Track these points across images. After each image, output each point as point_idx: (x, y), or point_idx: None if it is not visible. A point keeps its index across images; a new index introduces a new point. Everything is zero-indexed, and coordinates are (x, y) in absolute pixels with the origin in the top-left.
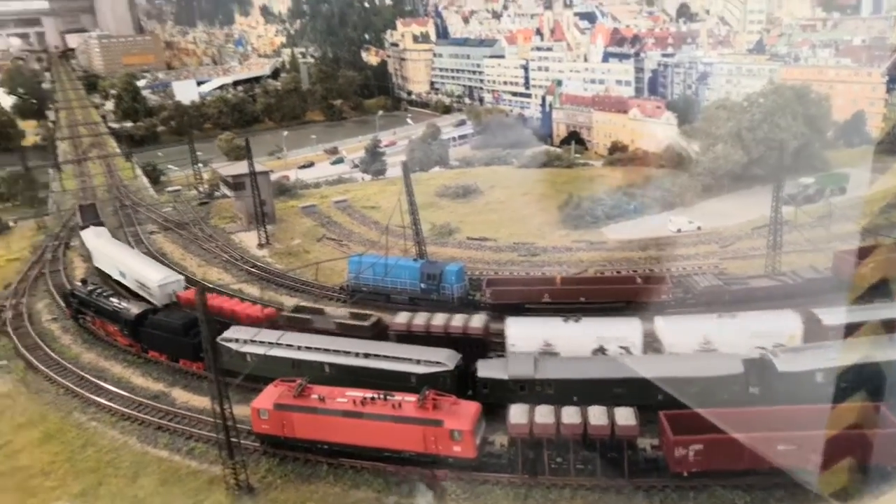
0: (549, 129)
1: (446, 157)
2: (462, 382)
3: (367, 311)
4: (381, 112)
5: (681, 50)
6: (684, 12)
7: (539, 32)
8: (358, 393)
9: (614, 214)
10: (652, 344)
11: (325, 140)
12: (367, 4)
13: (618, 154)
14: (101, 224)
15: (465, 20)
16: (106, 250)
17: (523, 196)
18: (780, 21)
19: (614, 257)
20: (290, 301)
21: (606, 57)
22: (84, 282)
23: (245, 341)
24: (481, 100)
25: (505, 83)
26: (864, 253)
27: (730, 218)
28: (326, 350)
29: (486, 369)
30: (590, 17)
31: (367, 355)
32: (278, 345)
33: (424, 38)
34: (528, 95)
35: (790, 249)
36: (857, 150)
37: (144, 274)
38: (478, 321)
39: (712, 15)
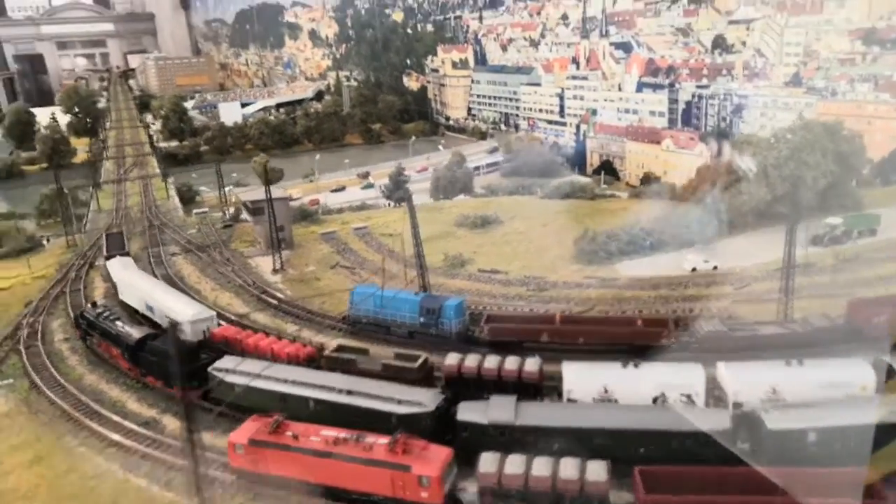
0: (583, 157)
1: (471, 185)
2: (444, 424)
3: (415, 352)
4: (413, 138)
5: (716, 81)
6: (720, 44)
7: (575, 61)
8: (332, 432)
9: (629, 250)
10: (713, 392)
11: (361, 163)
12: (409, 31)
13: (641, 187)
14: (126, 254)
15: (504, 48)
16: (132, 283)
17: (542, 227)
18: (818, 54)
19: (623, 296)
20: (291, 329)
21: (641, 87)
22: (94, 304)
23: (234, 372)
24: (517, 127)
25: (540, 111)
26: (882, 303)
27: (750, 257)
28: (312, 385)
29: (467, 412)
30: (625, 47)
31: (350, 392)
32: (266, 377)
33: (463, 64)
34: (564, 124)
35: (809, 294)
36: (894, 188)
37: (175, 309)
38: (532, 364)
39: (748, 47)
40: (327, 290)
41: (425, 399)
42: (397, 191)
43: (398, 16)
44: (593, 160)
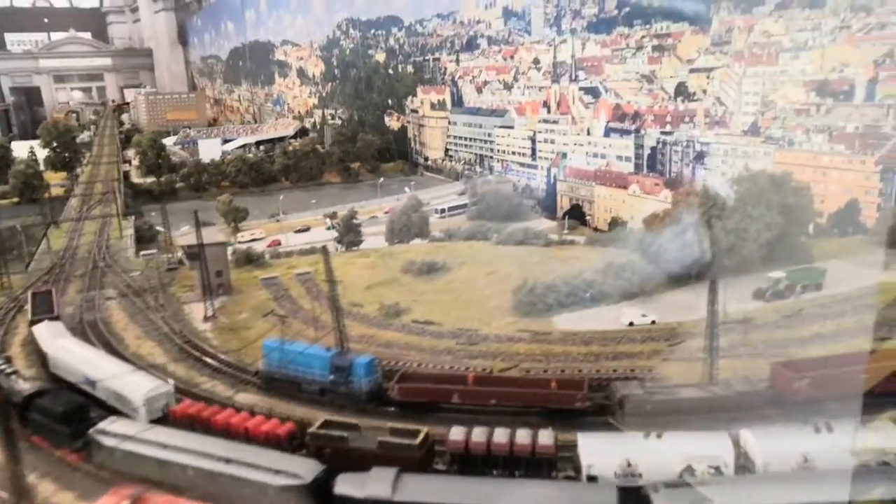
0: (554, 200)
1: (426, 230)
2: (323, 497)
3: (414, 427)
4: (381, 179)
5: (679, 128)
6: (682, 91)
7: (546, 105)
8: None
9: (568, 302)
10: (741, 462)
11: (338, 202)
12: (391, 71)
13: (605, 233)
14: (56, 318)
15: (479, 90)
16: (66, 353)
17: (488, 276)
18: (775, 104)
19: (552, 351)
20: (204, 383)
21: (608, 132)
22: None
23: (115, 435)
24: (491, 168)
25: (513, 153)
26: (803, 367)
27: (691, 311)
28: (191, 451)
29: (344, 485)
30: (594, 92)
31: (228, 461)
32: (144, 441)
33: (441, 105)
34: (535, 166)
35: (741, 353)
36: (850, 240)
37: (124, 384)
38: (547, 438)
39: (709, 95)
40: (255, 340)
41: (302, 470)
42: (348, 234)
43: (380, 56)
44: (563, 203)
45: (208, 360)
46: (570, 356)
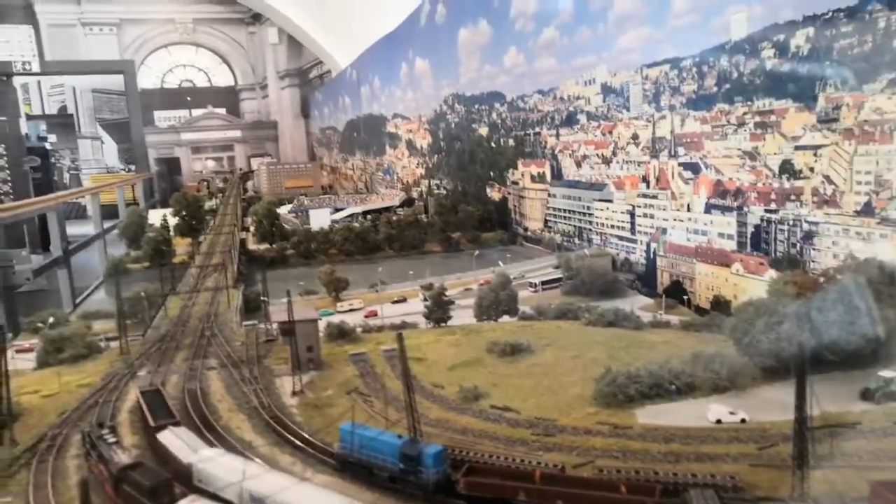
0: (653, 276)
1: (515, 307)
2: None
3: None
4: (477, 252)
5: (784, 207)
6: (787, 168)
7: (645, 180)
8: None
9: (652, 394)
10: None
11: (440, 271)
12: (493, 144)
13: (694, 317)
14: (177, 423)
15: (578, 164)
16: (215, 466)
17: (573, 360)
18: (890, 184)
19: (630, 448)
20: (284, 460)
21: (709, 208)
22: (101, 424)
23: None
24: (590, 241)
25: (612, 226)
26: None
27: (787, 410)
28: None
29: None
30: (694, 168)
31: None
32: None
33: (541, 178)
34: (634, 241)
35: (843, 463)
36: None
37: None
38: None
39: (816, 173)
40: (336, 418)
41: None
42: (437, 310)
43: (483, 130)
44: (664, 279)
45: (290, 437)
46: (649, 454)
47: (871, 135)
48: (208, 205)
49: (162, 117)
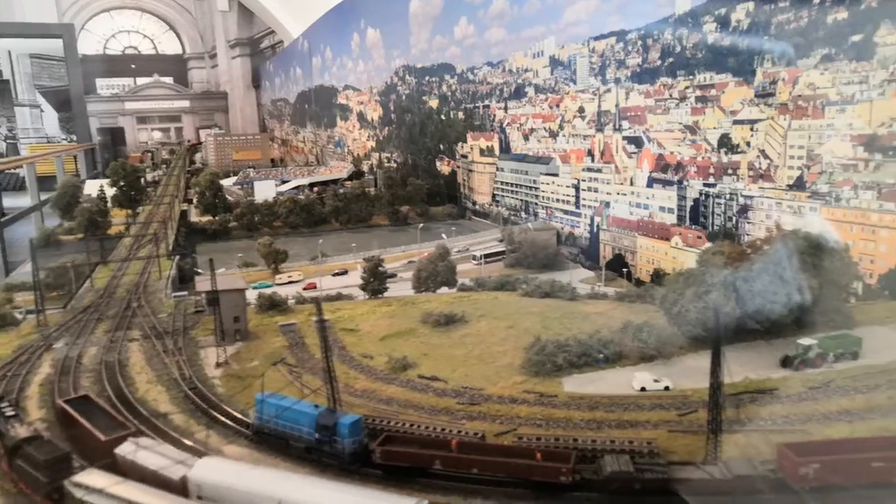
0: (597, 250)
1: (453, 279)
2: None
3: None
4: (421, 224)
5: (722, 181)
6: (725, 143)
7: (590, 153)
8: None
9: (580, 363)
10: None
11: (386, 244)
12: (443, 117)
13: (630, 289)
14: (134, 433)
15: (526, 137)
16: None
17: (506, 330)
18: (821, 158)
19: (554, 416)
20: (200, 432)
21: (651, 182)
22: (1, 397)
23: (96, 491)
24: (536, 215)
25: (558, 200)
26: (814, 450)
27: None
28: None
29: None
30: (637, 142)
31: None
32: (112, 497)
33: (490, 151)
34: (579, 215)
35: (758, 427)
36: None
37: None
38: None
39: (753, 147)
40: (260, 389)
41: None
42: (373, 281)
43: (433, 103)
44: (606, 253)
45: (208, 408)
46: (572, 422)
47: (804, 109)
48: (151, 176)
49: (105, 85)
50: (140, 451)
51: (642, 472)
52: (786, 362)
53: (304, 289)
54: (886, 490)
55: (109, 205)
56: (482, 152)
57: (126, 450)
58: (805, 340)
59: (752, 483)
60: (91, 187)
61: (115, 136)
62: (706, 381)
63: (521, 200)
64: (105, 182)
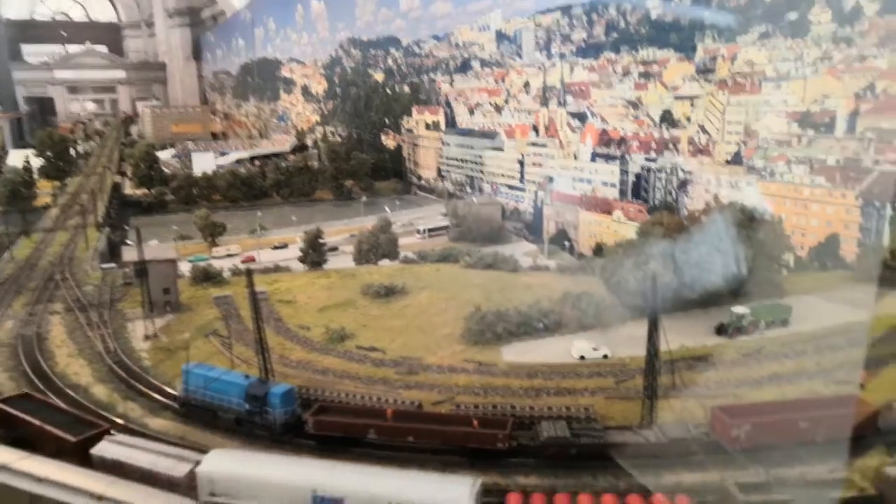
0: (540, 224)
1: (395, 251)
2: None
3: None
4: (364, 197)
5: (663, 155)
6: (667, 118)
7: (535, 128)
8: None
9: (519, 332)
10: None
11: (328, 218)
12: (389, 91)
13: (571, 261)
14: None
15: (471, 112)
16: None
17: (447, 301)
18: (757, 134)
19: (492, 384)
20: (124, 406)
21: (594, 157)
22: None
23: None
24: (481, 189)
25: (503, 175)
26: (744, 412)
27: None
28: (67, 486)
29: None
30: (581, 117)
31: (101, 498)
32: (17, 473)
33: (435, 126)
34: (523, 189)
35: (691, 393)
36: (826, 275)
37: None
38: None
39: (693, 122)
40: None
41: None
42: (312, 253)
43: (379, 76)
44: (549, 227)
45: (132, 381)
46: (511, 390)
47: (742, 86)
48: (82, 147)
49: (32, 52)
50: (123, 448)
51: (578, 437)
52: (720, 330)
53: (243, 262)
54: (812, 448)
55: (36, 176)
56: (428, 127)
57: (107, 450)
58: (739, 309)
59: (687, 445)
60: (16, 157)
61: (44, 107)
62: (644, 350)
63: (467, 175)
64: (31, 152)
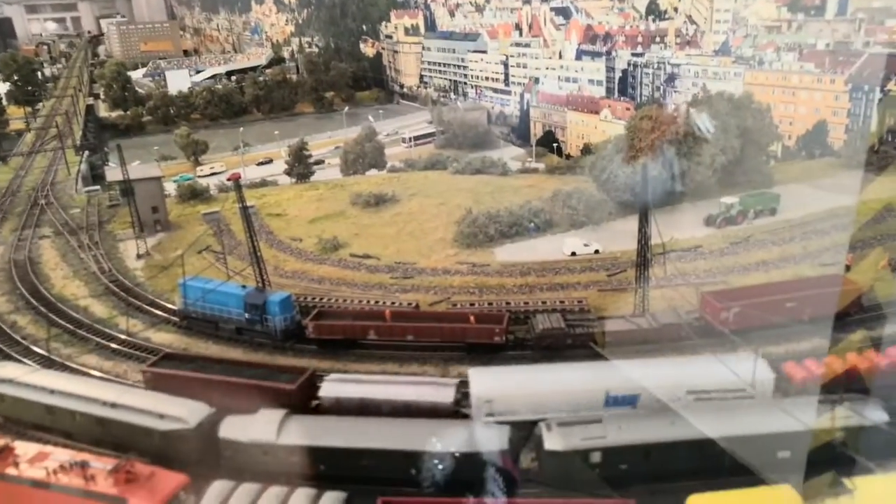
0: (527, 127)
1: (382, 160)
2: (211, 441)
3: None
4: (347, 108)
5: (650, 49)
6: (653, 10)
7: (518, 28)
8: (65, 457)
9: (511, 233)
10: None
11: (312, 131)
12: None
13: (560, 162)
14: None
15: (451, 13)
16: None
17: (438, 206)
18: (746, 21)
19: (487, 284)
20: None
21: (580, 55)
22: None
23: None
24: (465, 94)
25: (487, 78)
26: (732, 296)
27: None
28: (77, 396)
29: (230, 429)
30: (564, 13)
31: (114, 405)
32: (30, 386)
33: (415, 30)
34: (508, 92)
35: (682, 282)
36: (814, 163)
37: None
38: None
39: (680, 13)
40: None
41: (185, 413)
42: (298, 166)
43: None
44: (536, 130)
45: (131, 298)
46: (505, 288)
47: None
48: (49, 70)
49: None
50: (354, 386)
51: (573, 327)
52: (709, 221)
53: (228, 179)
54: (798, 327)
55: (4, 102)
56: (407, 31)
57: (339, 390)
58: (727, 199)
59: (678, 330)
60: None
61: (3, 29)
62: (634, 244)
63: (450, 80)
64: None
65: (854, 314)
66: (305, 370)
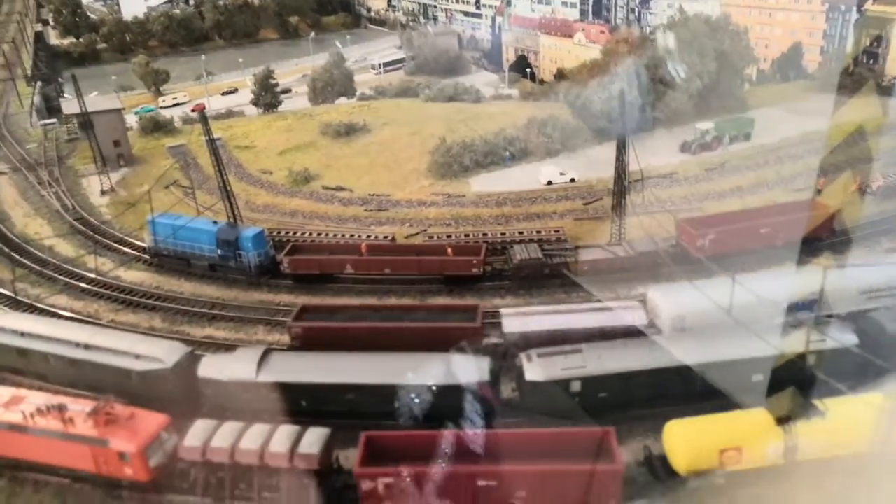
0: (499, 52)
1: (351, 88)
2: (190, 381)
3: None
4: (312, 34)
5: None
6: None
7: None
8: (42, 400)
9: (487, 163)
10: None
11: (276, 59)
12: None
13: (535, 87)
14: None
15: None
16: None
17: (411, 136)
18: None
19: (462, 215)
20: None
21: None
22: None
23: None
24: (435, 18)
25: (457, 2)
26: (708, 223)
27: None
28: (50, 339)
29: (208, 368)
30: None
31: (87, 347)
32: (1, 329)
33: None
34: (479, 16)
35: (657, 209)
36: (789, 87)
37: None
38: None
39: None
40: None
41: (162, 353)
42: (265, 95)
43: None
44: (509, 55)
45: (97, 236)
46: (481, 219)
47: None
48: None
49: None
50: (539, 318)
51: (551, 257)
52: (685, 147)
53: (193, 110)
54: (772, 252)
55: None
56: None
57: (525, 324)
58: (702, 125)
59: (655, 257)
60: None
61: None
62: (611, 171)
63: (419, 3)
64: None
65: (825, 238)
66: (474, 307)
